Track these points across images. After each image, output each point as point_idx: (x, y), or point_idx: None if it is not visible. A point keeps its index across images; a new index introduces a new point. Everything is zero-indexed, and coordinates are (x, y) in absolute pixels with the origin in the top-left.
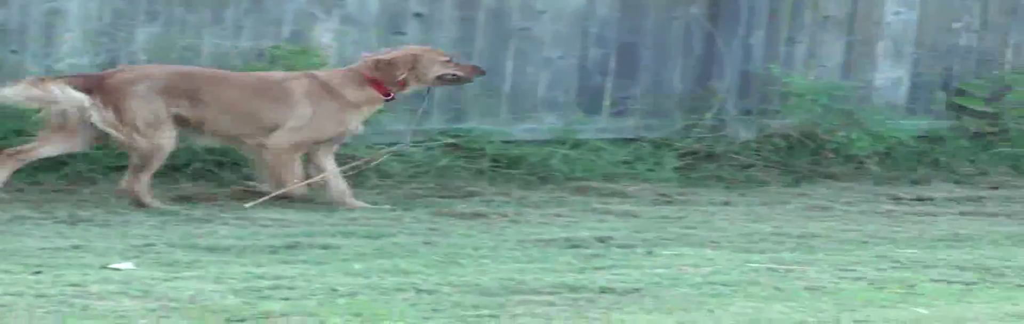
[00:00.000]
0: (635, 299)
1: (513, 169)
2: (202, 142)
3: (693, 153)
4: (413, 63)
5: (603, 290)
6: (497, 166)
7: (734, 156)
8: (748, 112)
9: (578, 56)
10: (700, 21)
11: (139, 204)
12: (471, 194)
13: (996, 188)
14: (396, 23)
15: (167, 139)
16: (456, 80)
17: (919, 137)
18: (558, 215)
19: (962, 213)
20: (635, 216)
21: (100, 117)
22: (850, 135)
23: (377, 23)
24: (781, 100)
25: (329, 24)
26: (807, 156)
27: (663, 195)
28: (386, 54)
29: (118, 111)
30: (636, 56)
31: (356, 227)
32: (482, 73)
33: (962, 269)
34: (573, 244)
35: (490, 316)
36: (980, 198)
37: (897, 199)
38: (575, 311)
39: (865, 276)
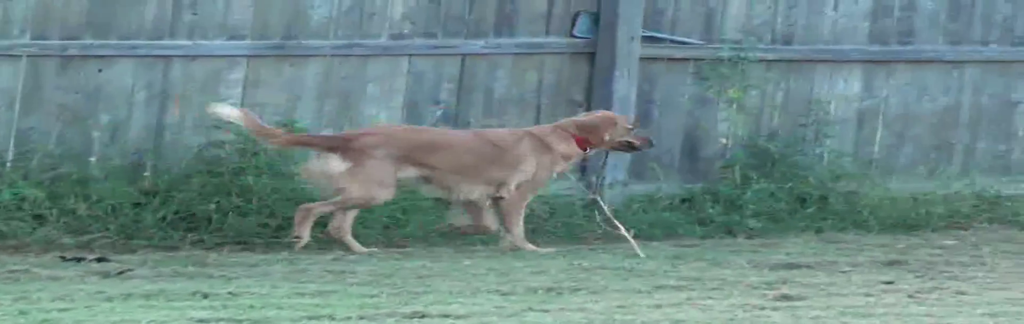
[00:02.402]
0: None
1: None
2: (428, 193)
3: None
4: (611, 126)
5: None
6: None
7: None
8: None
9: None
10: None
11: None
12: None
13: None
14: None
15: (386, 195)
16: (628, 148)
17: None
18: None
19: None
20: None
21: (327, 166)
22: None
23: None
24: None
25: None
26: None
27: None
28: (587, 117)
29: (353, 166)
30: None
31: None
32: (652, 146)
33: None
34: None
35: None
36: None
37: None
38: None
39: None
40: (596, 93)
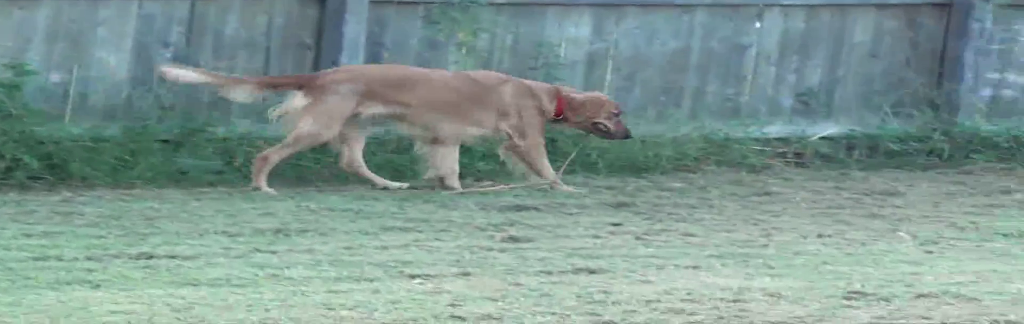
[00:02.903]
0: None
1: None
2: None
3: None
4: (596, 107)
5: None
6: None
7: None
8: None
9: None
10: None
11: (254, 175)
12: None
13: None
14: None
15: (330, 133)
16: (604, 133)
17: None
18: None
19: None
20: None
21: (291, 103)
22: None
23: None
24: None
25: None
26: None
27: None
28: (581, 93)
29: (313, 102)
30: None
31: None
32: (628, 137)
33: None
34: None
35: None
36: None
37: None
38: None
39: None
40: (326, 36)
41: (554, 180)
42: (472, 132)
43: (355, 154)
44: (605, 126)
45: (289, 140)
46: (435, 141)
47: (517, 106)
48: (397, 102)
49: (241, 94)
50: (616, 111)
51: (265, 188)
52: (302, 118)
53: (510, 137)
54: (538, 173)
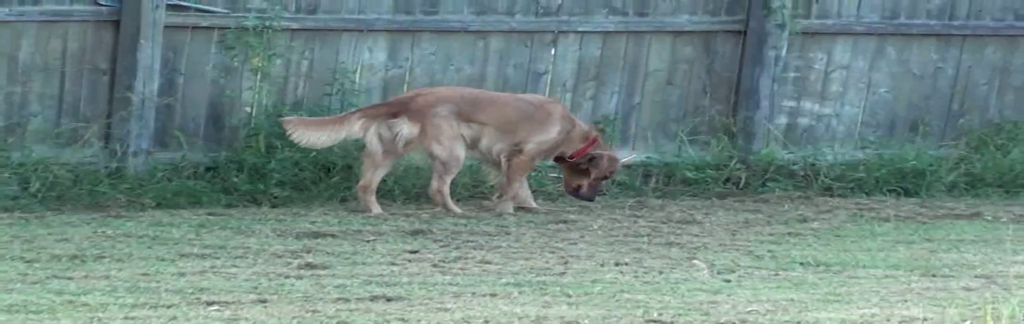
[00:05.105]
0: None
1: None
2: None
3: None
4: (608, 167)
5: None
6: None
7: None
8: None
9: None
10: None
11: (444, 206)
12: None
13: None
14: None
15: (463, 151)
16: (593, 189)
17: None
18: None
19: None
20: None
21: (408, 133)
22: None
23: None
24: None
25: None
26: None
27: None
28: (607, 152)
29: (425, 127)
30: None
31: None
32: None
33: None
34: None
35: None
36: None
37: None
38: None
39: None
40: (121, 62)
41: (510, 198)
42: (506, 149)
43: (376, 179)
44: (602, 186)
45: (440, 169)
46: (488, 161)
47: (554, 129)
48: (477, 121)
49: (357, 131)
50: (606, 174)
51: (457, 209)
52: (431, 146)
53: (519, 148)
54: (505, 186)
